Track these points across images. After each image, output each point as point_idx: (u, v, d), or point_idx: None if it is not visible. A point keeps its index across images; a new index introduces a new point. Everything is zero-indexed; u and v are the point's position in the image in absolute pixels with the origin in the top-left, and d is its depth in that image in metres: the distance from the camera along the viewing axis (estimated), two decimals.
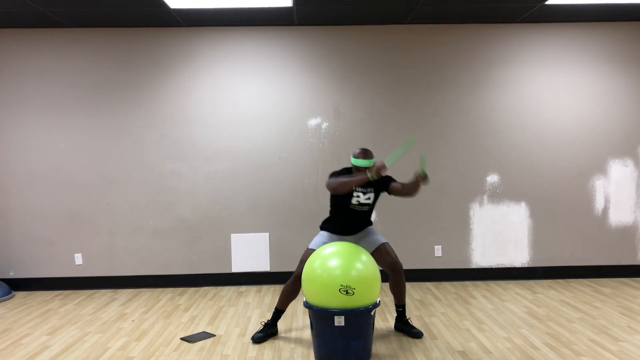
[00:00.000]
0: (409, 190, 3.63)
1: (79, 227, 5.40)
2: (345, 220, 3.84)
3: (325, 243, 3.77)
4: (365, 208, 3.83)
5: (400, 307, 3.95)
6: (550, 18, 5.28)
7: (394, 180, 3.81)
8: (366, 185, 3.75)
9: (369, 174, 3.50)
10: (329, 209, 3.98)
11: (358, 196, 3.76)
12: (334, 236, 3.86)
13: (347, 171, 3.81)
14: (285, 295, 3.88)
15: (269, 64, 5.39)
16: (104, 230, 5.42)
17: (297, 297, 3.99)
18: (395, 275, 3.81)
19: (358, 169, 3.71)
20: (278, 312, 3.95)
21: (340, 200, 3.80)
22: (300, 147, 5.43)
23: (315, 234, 5.38)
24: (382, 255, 3.82)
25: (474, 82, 5.43)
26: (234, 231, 5.46)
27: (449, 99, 5.44)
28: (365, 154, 3.71)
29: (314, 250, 3.72)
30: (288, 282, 3.85)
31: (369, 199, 3.79)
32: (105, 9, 4.75)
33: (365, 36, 5.40)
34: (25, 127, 5.34)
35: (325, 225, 3.92)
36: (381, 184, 3.79)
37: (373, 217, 5.34)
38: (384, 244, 3.87)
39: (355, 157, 3.72)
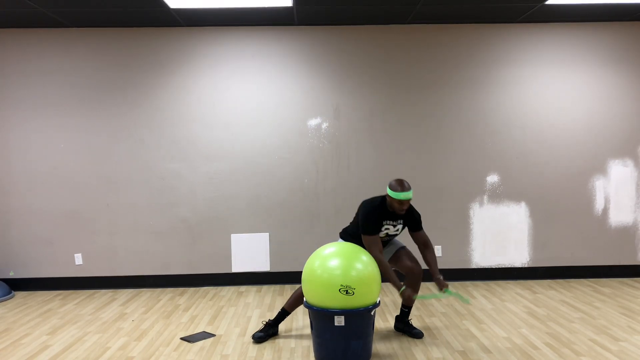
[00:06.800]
0: (428, 262, 3.72)
1: (79, 227, 5.40)
2: None
3: None
4: (392, 238, 3.83)
5: (407, 309, 3.95)
6: (550, 18, 5.28)
7: (421, 228, 3.76)
8: (397, 218, 3.70)
9: (401, 291, 3.53)
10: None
11: (388, 228, 3.71)
12: None
13: (379, 204, 3.66)
14: (295, 297, 3.86)
15: (269, 64, 5.39)
16: (104, 230, 5.42)
17: None
18: (414, 278, 3.79)
19: (401, 203, 3.54)
20: (283, 313, 3.92)
21: None
22: (300, 147, 5.43)
23: (315, 234, 5.44)
24: (401, 259, 3.82)
25: (473, 82, 5.43)
26: (234, 231, 5.46)
27: (449, 98, 5.44)
28: (403, 186, 3.51)
29: None
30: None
31: (397, 230, 3.76)
32: (105, 9, 4.75)
33: (365, 36, 5.40)
34: (25, 127, 5.34)
35: (349, 239, 3.75)
36: (410, 220, 3.74)
37: None
38: (402, 247, 3.88)
39: (393, 189, 3.52)
